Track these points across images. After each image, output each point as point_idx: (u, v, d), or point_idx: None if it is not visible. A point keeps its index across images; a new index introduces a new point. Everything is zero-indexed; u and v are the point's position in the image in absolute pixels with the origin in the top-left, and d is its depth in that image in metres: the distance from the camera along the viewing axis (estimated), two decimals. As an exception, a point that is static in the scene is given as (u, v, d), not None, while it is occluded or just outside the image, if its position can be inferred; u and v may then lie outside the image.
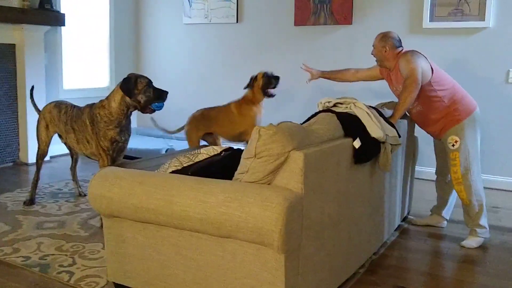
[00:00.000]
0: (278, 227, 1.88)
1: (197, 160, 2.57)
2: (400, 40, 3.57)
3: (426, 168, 4.99)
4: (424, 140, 4.44)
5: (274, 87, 4.35)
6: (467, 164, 3.24)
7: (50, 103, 3.89)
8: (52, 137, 3.91)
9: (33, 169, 5.07)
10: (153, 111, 3.43)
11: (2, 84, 5.18)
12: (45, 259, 2.88)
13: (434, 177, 3.70)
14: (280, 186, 2.05)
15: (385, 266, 2.93)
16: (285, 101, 5.75)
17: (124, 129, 3.45)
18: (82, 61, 6.23)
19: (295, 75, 5.68)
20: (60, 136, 3.84)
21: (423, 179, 4.92)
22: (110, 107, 3.37)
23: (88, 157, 3.65)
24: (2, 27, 5.06)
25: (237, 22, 6.00)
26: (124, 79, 3.35)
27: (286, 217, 1.89)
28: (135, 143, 5.55)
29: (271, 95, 4.34)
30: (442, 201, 3.64)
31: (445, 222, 3.66)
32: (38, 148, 3.93)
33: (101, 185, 2.32)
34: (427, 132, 3.52)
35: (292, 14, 5.61)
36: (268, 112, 4.88)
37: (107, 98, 3.44)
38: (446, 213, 3.65)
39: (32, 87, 4.26)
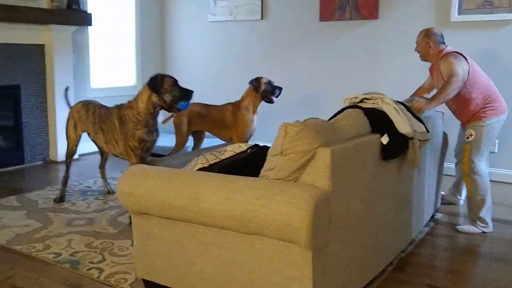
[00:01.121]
0: (305, 224, 1.88)
1: (223, 157, 2.57)
2: (442, 36, 3.67)
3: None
4: (454, 137, 4.37)
5: (276, 96, 4.40)
6: (476, 160, 3.42)
7: (78, 103, 3.96)
8: (80, 136, 3.97)
9: (62, 167, 5.16)
10: (179, 110, 3.49)
11: (32, 84, 5.28)
12: (76, 256, 2.94)
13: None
14: (307, 183, 2.04)
15: (414, 264, 2.90)
16: (310, 98, 5.72)
17: (152, 129, 3.50)
18: (109, 60, 6.32)
19: (320, 71, 5.65)
20: (88, 134, 3.90)
21: (452, 176, 4.84)
22: (138, 107, 3.42)
23: (117, 156, 3.72)
24: (31, 28, 5.16)
25: (261, 19, 6.00)
26: (151, 78, 3.41)
27: (313, 214, 1.88)
28: (160, 140, 5.59)
29: (272, 102, 4.40)
30: (458, 181, 4.04)
31: (462, 200, 4.04)
32: (67, 146, 4.01)
33: (129, 183, 2.35)
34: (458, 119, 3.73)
35: (317, 10, 5.58)
36: (293, 109, 4.88)
37: (134, 99, 3.49)
38: (463, 193, 4.02)
39: (67, 88, 4.35)
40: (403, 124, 2.59)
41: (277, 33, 5.94)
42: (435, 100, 3.29)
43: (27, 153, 5.29)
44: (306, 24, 5.71)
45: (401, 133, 2.58)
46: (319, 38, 5.65)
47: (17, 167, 5.19)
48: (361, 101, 2.72)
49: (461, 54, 3.50)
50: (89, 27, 5.78)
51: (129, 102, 3.52)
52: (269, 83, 4.38)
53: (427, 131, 2.86)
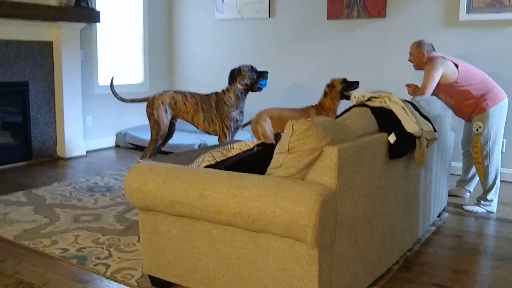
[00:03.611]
0: (311, 222, 1.88)
1: (230, 155, 2.58)
2: (433, 46, 4.08)
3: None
4: (460, 136, 4.35)
5: (354, 89, 4.42)
6: (488, 149, 3.74)
7: (166, 92, 4.49)
8: (170, 119, 4.50)
9: (70, 163, 5.22)
10: (260, 89, 4.36)
11: (40, 80, 5.31)
12: (82, 251, 2.95)
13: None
14: (313, 181, 2.04)
15: (420, 263, 2.89)
16: (318, 96, 5.72)
17: (242, 110, 4.40)
18: (117, 57, 6.33)
19: (328, 70, 5.64)
20: (176, 116, 4.53)
21: (459, 175, 4.82)
22: (229, 93, 4.31)
23: (208, 133, 4.46)
24: (40, 25, 5.19)
25: (269, 16, 6.00)
26: (231, 70, 4.33)
27: (319, 212, 1.88)
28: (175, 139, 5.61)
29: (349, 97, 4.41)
30: (466, 174, 4.19)
31: (468, 193, 4.22)
32: (159, 129, 4.44)
33: (136, 179, 2.36)
34: (458, 116, 4.02)
35: (325, 8, 5.57)
36: (299, 106, 4.85)
37: (227, 87, 4.35)
38: (469, 185, 4.20)
39: (112, 78, 4.75)
40: (410, 123, 2.58)
41: (285, 31, 5.93)
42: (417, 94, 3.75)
43: (34, 149, 5.32)
44: (314, 22, 5.70)
45: (409, 132, 2.58)
46: (326, 36, 5.65)
47: (25, 163, 5.22)
48: (369, 99, 2.72)
49: (446, 59, 3.88)
50: (97, 24, 5.80)
51: (223, 90, 4.36)
52: (345, 80, 4.39)
53: (435, 130, 2.85)
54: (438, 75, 3.84)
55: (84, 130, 5.74)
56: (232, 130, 4.35)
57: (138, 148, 5.91)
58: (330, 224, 1.97)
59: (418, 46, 4.06)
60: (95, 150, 5.91)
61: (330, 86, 4.37)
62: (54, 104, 5.47)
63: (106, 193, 4.15)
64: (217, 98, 4.36)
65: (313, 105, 4.44)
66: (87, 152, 5.75)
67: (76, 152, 5.59)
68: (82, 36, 5.64)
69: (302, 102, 4.86)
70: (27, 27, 5.08)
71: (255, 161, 2.45)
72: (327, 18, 5.58)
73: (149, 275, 2.52)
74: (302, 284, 2.02)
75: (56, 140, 5.53)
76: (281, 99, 5.87)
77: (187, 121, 4.52)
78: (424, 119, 2.80)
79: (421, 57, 4.00)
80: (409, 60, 4.18)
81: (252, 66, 4.33)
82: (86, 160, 5.45)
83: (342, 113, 2.54)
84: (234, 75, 4.31)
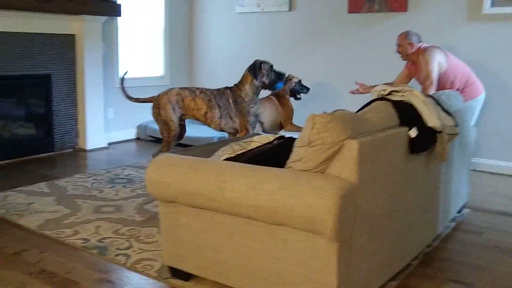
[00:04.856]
0: (331, 216, 1.88)
1: (249, 148, 2.59)
2: (419, 36, 4.34)
3: (484, 160, 4.84)
4: (482, 131, 4.30)
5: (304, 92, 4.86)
6: None
7: (171, 90, 4.20)
8: (179, 117, 4.20)
9: (91, 155, 5.29)
10: (275, 89, 4.35)
11: (63, 73, 5.38)
12: (103, 242, 3.00)
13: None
14: (333, 175, 2.04)
15: (439, 259, 2.87)
16: (338, 90, 5.69)
17: (259, 105, 4.30)
18: (137, 50, 6.38)
19: (348, 63, 5.61)
20: (184, 115, 4.22)
21: (480, 171, 4.77)
22: (245, 89, 4.16)
23: (222, 130, 4.28)
24: (63, 18, 5.25)
25: (289, 10, 5.98)
26: (251, 64, 4.17)
27: (339, 206, 1.88)
28: (188, 131, 5.64)
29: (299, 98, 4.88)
30: None
31: None
32: (170, 129, 4.15)
33: (157, 171, 2.38)
34: None
35: (346, 1, 5.53)
36: (321, 101, 4.86)
37: (240, 82, 4.20)
38: None
39: (125, 73, 4.48)
40: (431, 117, 2.56)
41: (305, 24, 5.91)
42: None
43: (57, 140, 5.40)
44: (334, 15, 5.67)
45: (430, 127, 2.55)
46: (347, 30, 5.61)
47: (47, 154, 5.31)
48: (390, 93, 2.70)
49: (437, 48, 4.15)
50: (118, 17, 5.85)
51: (236, 85, 4.21)
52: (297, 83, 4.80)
53: (456, 125, 2.82)
54: (436, 63, 4.05)
55: (106, 122, 5.81)
56: (253, 125, 4.23)
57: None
58: (349, 218, 1.97)
59: (406, 36, 4.26)
60: (116, 142, 5.97)
61: (288, 79, 4.71)
62: (76, 97, 5.54)
63: (126, 185, 4.20)
64: (234, 94, 4.18)
65: (270, 94, 4.69)
66: (108, 144, 5.82)
67: (97, 144, 5.66)
68: (103, 29, 5.70)
69: (322, 97, 4.84)
70: (51, 20, 5.15)
71: (275, 154, 2.46)
72: (348, 12, 5.54)
73: (168, 266, 2.55)
74: (321, 277, 2.02)
75: (78, 132, 5.60)
76: (303, 94, 5.85)
77: (197, 118, 4.22)
78: (445, 114, 2.77)
79: (410, 48, 4.23)
80: (397, 51, 4.37)
81: (271, 66, 4.22)
82: (107, 152, 5.52)
83: (363, 107, 2.53)
84: (256, 70, 4.16)
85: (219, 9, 6.60)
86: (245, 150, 2.55)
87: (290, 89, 4.74)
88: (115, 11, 5.57)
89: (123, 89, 4.35)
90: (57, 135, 5.40)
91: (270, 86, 4.24)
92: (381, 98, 2.61)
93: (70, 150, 5.55)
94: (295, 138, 2.30)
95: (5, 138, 5.02)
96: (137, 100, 4.36)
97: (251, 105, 4.17)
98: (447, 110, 2.85)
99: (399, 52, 4.40)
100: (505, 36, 4.69)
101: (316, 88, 5.81)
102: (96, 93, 5.59)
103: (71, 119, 5.54)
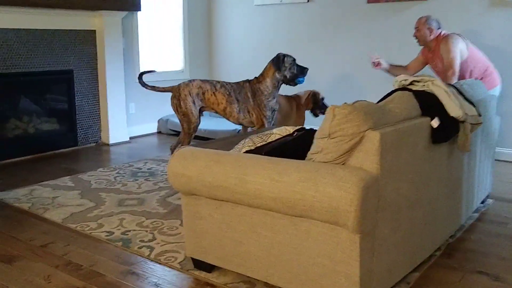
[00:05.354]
0: (353, 207, 1.87)
1: (270, 140, 2.59)
2: (439, 22, 4.27)
3: (508, 150, 4.76)
4: (506, 121, 4.24)
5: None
6: None
7: (193, 81, 4.13)
8: (199, 109, 4.14)
9: (114, 149, 5.35)
10: (296, 84, 4.21)
11: (84, 68, 5.44)
12: (127, 234, 3.04)
13: None
14: (355, 166, 2.03)
15: (463, 249, 2.85)
16: (358, 80, 5.65)
17: (277, 100, 4.22)
18: (157, 44, 6.42)
19: (367, 53, 5.55)
20: (203, 108, 4.16)
21: (504, 161, 4.70)
22: (266, 81, 4.09)
23: (241, 124, 4.25)
24: (84, 14, 5.31)
25: (308, 1, 5.94)
26: (275, 57, 4.10)
27: (361, 197, 1.88)
28: (207, 124, 5.68)
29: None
30: None
31: None
32: (190, 122, 4.09)
33: (179, 164, 2.40)
34: None
35: (365, -9, 5.47)
36: (341, 92, 4.84)
37: (261, 75, 4.13)
38: None
39: (143, 73, 4.36)
40: (454, 107, 2.53)
41: (324, 15, 5.87)
42: None
43: (80, 135, 5.48)
44: (353, 6, 5.61)
45: (452, 117, 2.53)
46: (366, 20, 5.55)
47: (71, 149, 5.39)
48: (411, 83, 2.67)
49: (459, 36, 4.11)
50: (138, 12, 5.89)
51: (257, 78, 4.13)
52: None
53: (479, 114, 2.78)
54: (458, 51, 4.00)
55: (128, 116, 5.87)
56: (270, 120, 4.14)
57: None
58: (371, 210, 1.96)
59: (426, 21, 4.20)
60: (138, 136, 6.03)
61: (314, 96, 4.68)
62: (98, 92, 5.60)
63: (149, 178, 4.24)
64: (253, 88, 4.11)
65: (293, 96, 4.71)
66: (130, 138, 5.88)
67: (119, 138, 5.73)
68: (123, 25, 5.75)
69: (342, 89, 4.81)
70: (71, 17, 5.21)
71: (295, 146, 2.45)
72: (367, 2, 5.48)
73: (191, 258, 2.58)
74: (343, 269, 2.02)
75: (100, 126, 5.67)
76: (323, 85, 5.83)
77: (217, 112, 4.19)
78: (468, 103, 2.74)
79: (429, 33, 4.18)
80: (414, 35, 4.30)
81: (294, 59, 4.14)
82: (130, 146, 5.58)
83: (384, 97, 2.51)
84: (279, 63, 4.07)
85: (237, 1, 6.59)
86: (266, 143, 2.55)
87: (313, 105, 4.68)
88: (135, 6, 5.60)
89: (141, 77, 4.27)
90: (80, 130, 5.47)
91: (291, 80, 4.14)
92: (403, 88, 2.59)
93: (93, 144, 5.62)
94: (315, 130, 2.30)
95: (30, 133, 5.12)
96: (154, 88, 4.26)
97: (269, 99, 4.09)
98: (469, 99, 2.81)
99: (416, 36, 4.33)
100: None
101: (336, 79, 5.78)
102: (117, 88, 5.65)
103: (94, 114, 5.60)
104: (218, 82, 4.17)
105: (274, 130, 2.68)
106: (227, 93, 4.09)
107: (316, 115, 4.74)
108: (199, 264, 2.55)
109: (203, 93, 4.10)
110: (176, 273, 2.57)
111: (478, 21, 4.84)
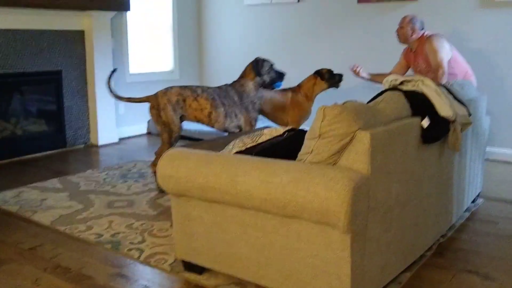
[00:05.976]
0: (344, 208, 1.86)
1: (260, 141, 2.58)
2: (423, 23, 4.29)
3: (498, 149, 4.79)
4: (496, 120, 4.26)
5: (337, 82, 4.50)
6: None
7: (171, 89, 3.87)
8: (179, 118, 3.90)
9: (103, 151, 5.31)
10: (273, 88, 4.24)
11: (73, 69, 5.40)
12: (116, 237, 3.01)
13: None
14: (345, 167, 2.02)
15: (454, 249, 2.85)
16: (349, 81, 5.65)
17: (260, 102, 4.15)
18: (147, 45, 6.38)
19: (358, 54, 5.56)
20: (183, 116, 3.90)
21: (494, 161, 4.73)
22: (249, 85, 4.03)
23: (226, 131, 4.05)
24: (72, 15, 5.26)
25: (298, 1, 5.93)
26: (254, 61, 4.08)
27: (352, 198, 1.87)
28: (198, 125, 5.64)
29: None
30: None
31: None
32: (172, 131, 3.85)
33: (169, 165, 2.38)
34: None
35: (355, -9, 5.48)
36: (331, 92, 4.83)
37: (242, 78, 4.08)
38: None
39: (114, 70, 4.21)
40: (444, 106, 2.53)
41: (314, 16, 5.87)
42: None
43: (68, 136, 5.43)
44: (344, 6, 5.62)
45: (442, 116, 2.53)
46: (357, 20, 5.56)
47: (59, 150, 5.33)
48: (401, 83, 2.67)
49: (442, 36, 4.16)
50: (127, 12, 5.85)
51: (239, 81, 4.07)
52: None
53: (469, 114, 2.79)
54: (445, 51, 4.00)
55: (117, 117, 5.82)
56: (257, 121, 4.11)
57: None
58: (362, 210, 1.95)
59: (411, 20, 4.23)
60: (128, 137, 5.99)
61: (318, 73, 4.40)
62: (87, 93, 5.56)
63: (138, 180, 4.21)
64: (238, 91, 4.00)
65: (291, 87, 4.47)
66: (119, 139, 5.84)
67: (109, 140, 5.69)
68: (112, 25, 5.70)
69: (332, 89, 4.80)
70: (60, 17, 5.17)
71: (286, 147, 2.45)
72: (358, 2, 5.48)
73: (182, 260, 2.56)
74: (335, 269, 2.01)
75: (89, 127, 5.63)
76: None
77: (199, 119, 3.93)
78: (458, 103, 2.74)
79: (411, 33, 4.20)
80: (396, 32, 4.33)
81: (272, 65, 4.10)
82: (119, 147, 5.54)
83: (374, 97, 2.50)
84: (258, 68, 4.05)
85: (227, 1, 6.57)
86: (256, 143, 2.54)
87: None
88: (124, 6, 5.56)
89: (110, 88, 4.03)
90: (68, 131, 5.42)
91: (270, 85, 4.14)
92: (393, 88, 2.59)
93: (82, 145, 5.57)
94: (306, 131, 2.29)
95: (17, 135, 5.06)
96: (130, 99, 4.03)
97: (255, 101, 4.05)
98: (459, 99, 2.82)
99: (398, 33, 4.34)
100: (518, 23, 4.62)
101: (327, 79, 5.77)
102: (106, 89, 5.60)
103: (83, 115, 5.56)
104: (198, 87, 3.96)
105: (265, 131, 2.67)
106: (211, 97, 3.89)
107: (337, 86, 4.46)
108: (190, 266, 2.53)
109: (184, 100, 3.85)
110: (166, 276, 2.54)
111: (468, 22, 4.86)
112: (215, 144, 3.09)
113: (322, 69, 4.40)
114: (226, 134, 5.05)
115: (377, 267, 2.18)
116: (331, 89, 4.76)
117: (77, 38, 5.40)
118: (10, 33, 4.81)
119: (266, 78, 4.08)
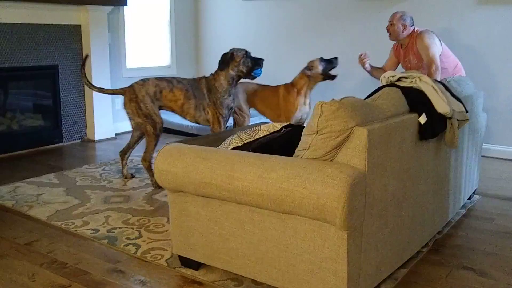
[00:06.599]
0: (340, 204, 1.87)
1: (257, 136, 2.57)
2: (413, 19, 4.29)
3: (494, 146, 4.80)
4: (492, 117, 4.26)
5: (334, 66, 4.36)
6: None
7: (147, 80, 3.86)
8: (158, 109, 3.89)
9: (99, 146, 5.29)
10: (254, 77, 3.97)
11: (69, 63, 5.38)
12: (113, 232, 3.01)
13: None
14: (342, 163, 2.02)
15: (450, 245, 2.86)
16: (346, 77, 5.64)
17: (234, 96, 4.03)
18: (144, 40, 6.36)
19: (356, 50, 5.55)
20: (162, 107, 3.90)
21: (491, 157, 4.74)
22: (220, 79, 3.89)
23: (197, 122, 4.01)
24: (69, 9, 5.24)
25: (296, -3, 5.92)
26: (223, 54, 3.92)
27: (349, 194, 1.87)
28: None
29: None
30: None
31: None
32: (155, 122, 3.82)
33: (166, 161, 2.37)
34: None
35: (353, -13, 5.47)
36: (327, 88, 4.83)
37: (216, 71, 3.94)
38: None
39: (86, 56, 4.14)
40: (441, 103, 2.53)
41: (312, 11, 5.85)
42: None
43: (65, 131, 5.41)
44: (342, 2, 5.60)
45: (439, 113, 2.53)
46: (355, 15, 5.55)
47: (56, 145, 5.32)
48: (399, 79, 2.67)
49: (432, 32, 4.15)
50: (124, 7, 5.82)
51: (212, 74, 3.95)
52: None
53: (466, 111, 2.79)
54: (436, 47, 4.00)
55: (113, 112, 5.81)
56: (227, 118, 3.94)
57: (165, 130, 5.95)
58: (359, 206, 1.96)
59: (401, 16, 4.23)
60: (124, 133, 5.96)
61: (309, 68, 4.23)
62: (83, 87, 5.54)
63: (135, 175, 4.20)
64: (208, 85, 3.91)
65: (285, 84, 4.35)
66: (116, 134, 5.82)
67: (105, 135, 5.67)
68: (109, 19, 5.68)
69: (329, 84, 4.80)
70: (56, 11, 5.14)
71: (283, 142, 2.44)
72: (355, -3, 5.48)
73: (178, 255, 2.55)
74: (331, 265, 2.01)
75: (85, 122, 5.61)
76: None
77: (173, 110, 3.94)
78: (455, 100, 2.74)
79: (402, 29, 4.20)
80: (386, 28, 4.32)
81: (246, 52, 3.90)
82: (115, 143, 5.53)
83: (372, 94, 2.50)
84: (227, 60, 3.88)
85: (225, -3, 6.55)
86: (253, 139, 2.54)
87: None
88: (121, 0, 5.54)
89: (84, 76, 3.97)
90: (65, 126, 5.41)
91: (248, 73, 3.92)
92: (390, 85, 2.59)
93: (78, 141, 5.56)
94: (303, 126, 2.29)
95: (13, 129, 5.04)
96: (103, 90, 3.99)
97: (224, 96, 3.88)
98: (456, 96, 2.82)
99: (388, 30, 4.33)
100: (505, 20, 4.61)
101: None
102: (103, 84, 5.55)
103: (79, 110, 5.54)
104: (174, 78, 3.96)
105: (262, 127, 2.67)
106: (185, 88, 3.87)
107: (331, 78, 4.30)
108: (186, 262, 2.53)
109: (161, 91, 3.83)
110: (162, 271, 2.54)
111: (464, 18, 4.86)
112: (212, 140, 3.08)
113: (312, 61, 4.27)
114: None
115: (373, 263, 2.18)
116: (328, 86, 4.75)
117: (74, 33, 5.37)
118: (6, 27, 4.79)
119: (242, 68, 3.88)
